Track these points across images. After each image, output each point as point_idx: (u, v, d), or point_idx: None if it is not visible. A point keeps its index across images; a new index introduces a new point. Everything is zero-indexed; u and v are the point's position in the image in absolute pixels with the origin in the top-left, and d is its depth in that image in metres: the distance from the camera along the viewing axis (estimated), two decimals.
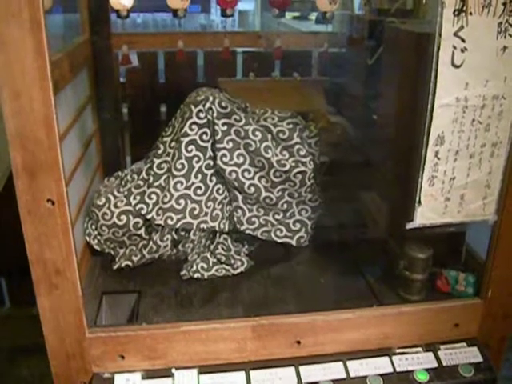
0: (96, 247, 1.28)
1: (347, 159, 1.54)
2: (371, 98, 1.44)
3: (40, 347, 0.97)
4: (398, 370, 1.04)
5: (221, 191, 1.28)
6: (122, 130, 1.62)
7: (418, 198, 0.98)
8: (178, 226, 1.23)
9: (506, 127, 0.96)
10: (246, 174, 1.27)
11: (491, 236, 1.07)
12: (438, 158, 0.95)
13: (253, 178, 1.27)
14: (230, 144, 1.25)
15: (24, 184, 0.83)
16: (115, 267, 1.26)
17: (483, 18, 0.87)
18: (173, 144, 1.26)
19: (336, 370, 1.03)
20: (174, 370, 1.00)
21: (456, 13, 0.85)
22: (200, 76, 1.79)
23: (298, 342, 1.04)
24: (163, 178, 1.25)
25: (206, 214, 1.25)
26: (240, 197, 1.30)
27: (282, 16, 1.22)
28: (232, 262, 1.27)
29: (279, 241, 1.35)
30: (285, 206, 1.34)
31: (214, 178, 1.27)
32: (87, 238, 1.26)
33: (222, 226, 1.28)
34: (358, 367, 1.04)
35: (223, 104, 1.23)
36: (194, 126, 1.23)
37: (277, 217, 1.35)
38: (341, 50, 1.72)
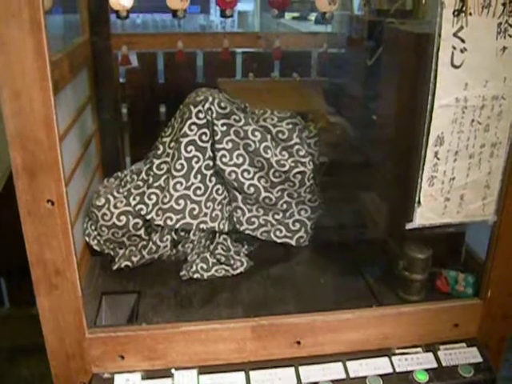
0: (96, 248, 1.28)
1: (347, 159, 1.54)
2: (371, 99, 1.44)
3: (40, 347, 0.97)
4: (397, 370, 1.04)
5: (220, 191, 1.28)
6: (121, 130, 1.62)
7: (417, 199, 0.98)
8: (177, 226, 1.23)
9: (506, 128, 0.96)
10: (245, 174, 1.27)
11: (491, 236, 1.07)
12: (438, 159, 0.96)
13: (252, 179, 1.27)
14: (230, 144, 1.25)
15: (24, 184, 0.83)
16: (115, 267, 1.25)
17: (483, 19, 0.87)
18: (172, 144, 1.26)
19: (336, 370, 1.03)
20: (173, 371, 1.00)
21: (456, 13, 0.85)
22: (199, 76, 1.79)
23: (298, 343, 1.04)
24: (163, 178, 1.25)
25: (206, 214, 1.25)
26: (239, 197, 1.30)
27: (281, 16, 1.22)
28: (232, 262, 1.27)
29: (279, 241, 1.35)
30: (284, 206, 1.34)
31: (213, 179, 1.27)
32: (87, 239, 1.26)
33: (221, 227, 1.28)
34: (357, 367, 1.04)
35: (222, 104, 1.24)
36: (193, 127, 1.23)
37: (276, 217, 1.35)
38: (340, 51, 1.72)
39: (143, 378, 1.00)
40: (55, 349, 0.96)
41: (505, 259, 1.06)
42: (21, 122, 0.79)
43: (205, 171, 1.25)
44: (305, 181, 1.30)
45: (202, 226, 1.25)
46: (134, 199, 1.24)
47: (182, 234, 1.29)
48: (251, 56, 1.78)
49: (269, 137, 1.27)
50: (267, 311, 1.09)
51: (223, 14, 1.19)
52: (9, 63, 0.76)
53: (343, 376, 1.02)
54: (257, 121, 1.31)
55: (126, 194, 1.25)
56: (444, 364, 1.06)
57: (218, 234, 1.31)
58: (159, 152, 1.28)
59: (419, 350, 1.08)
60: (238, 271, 1.27)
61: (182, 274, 1.24)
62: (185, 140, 1.22)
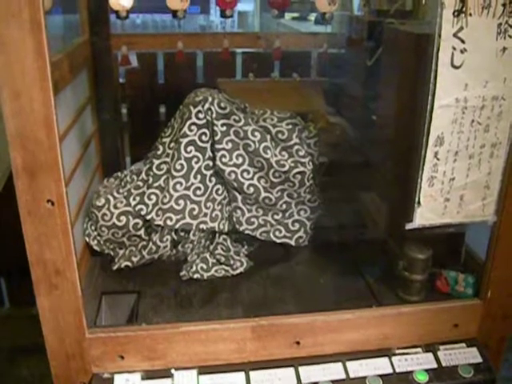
0: (95, 248, 1.27)
1: (346, 160, 1.54)
2: (370, 99, 1.44)
3: (40, 347, 0.97)
4: (397, 370, 1.04)
5: (220, 192, 1.28)
6: (121, 130, 1.62)
7: (417, 199, 0.98)
8: (177, 226, 1.23)
9: (506, 128, 0.96)
10: (245, 174, 1.27)
11: (490, 237, 1.07)
12: (438, 159, 0.96)
13: (252, 179, 1.27)
14: (230, 144, 1.25)
15: (24, 184, 0.83)
16: (115, 268, 1.25)
17: (483, 19, 0.87)
18: (172, 145, 1.26)
19: (335, 370, 1.03)
20: (173, 371, 1.00)
21: (456, 14, 0.85)
22: (199, 77, 1.79)
23: (298, 343, 1.04)
24: (163, 178, 1.25)
25: (206, 214, 1.25)
26: (239, 197, 1.30)
27: (281, 17, 1.23)
28: (231, 262, 1.27)
29: (278, 241, 1.35)
30: (284, 206, 1.34)
31: (213, 179, 1.27)
32: (87, 239, 1.26)
33: (221, 227, 1.28)
34: (357, 368, 1.04)
35: (222, 105, 1.24)
36: (193, 127, 1.23)
37: (276, 217, 1.35)
38: (340, 51, 1.72)
39: (143, 378, 1.00)
40: (55, 349, 0.96)
41: (505, 259, 1.06)
42: (21, 122, 0.79)
43: (205, 171, 1.25)
44: (304, 181, 1.30)
45: (201, 226, 1.25)
46: (134, 199, 1.24)
47: (182, 234, 1.29)
48: (251, 56, 1.78)
49: (268, 137, 1.27)
50: (267, 311, 1.08)
51: (223, 15, 1.20)
52: (9, 63, 0.76)
53: (343, 376, 1.02)
54: (256, 121, 1.31)
55: (125, 194, 1.26)
56: (444, 364, 1.06)
57: (217, 235, 1.31)
58: (159, 152, 1.28)
59: (419, 350, 1.08)
60: (238, 271, 1.27)
61: (181, 274, 1.24)
62: (184, 140, 1.22)
